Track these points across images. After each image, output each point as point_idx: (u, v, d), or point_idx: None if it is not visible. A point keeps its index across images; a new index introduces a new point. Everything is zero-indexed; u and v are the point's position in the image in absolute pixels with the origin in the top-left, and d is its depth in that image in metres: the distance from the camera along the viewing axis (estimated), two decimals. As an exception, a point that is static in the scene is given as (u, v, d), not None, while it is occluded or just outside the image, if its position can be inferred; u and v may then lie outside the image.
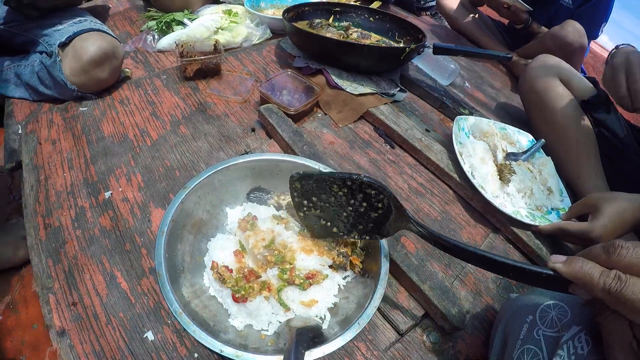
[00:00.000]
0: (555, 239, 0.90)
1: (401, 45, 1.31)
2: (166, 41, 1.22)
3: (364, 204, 0.58)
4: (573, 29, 1.44)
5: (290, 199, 0.73)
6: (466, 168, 0.90)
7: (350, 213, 0.60)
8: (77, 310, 0.63)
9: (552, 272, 0.42)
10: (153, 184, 0.82)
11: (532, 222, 0.86)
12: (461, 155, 0.92)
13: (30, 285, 0.94)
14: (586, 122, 1.06)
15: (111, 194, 0.80)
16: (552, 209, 0.94)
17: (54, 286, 0.66)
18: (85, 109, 0.99)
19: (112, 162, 0.86)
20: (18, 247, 0.95)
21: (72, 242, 0.72)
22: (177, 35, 1.23)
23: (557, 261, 0.42)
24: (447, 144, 1.02)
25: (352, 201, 0.59)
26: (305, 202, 0.62)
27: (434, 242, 0.56)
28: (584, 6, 1.59)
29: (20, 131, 0.96)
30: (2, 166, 0.97)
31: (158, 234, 0.59)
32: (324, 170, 0.72)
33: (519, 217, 0.86)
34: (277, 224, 0.65)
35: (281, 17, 1.21)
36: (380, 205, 0.57)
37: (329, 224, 0.62)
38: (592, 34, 1.57)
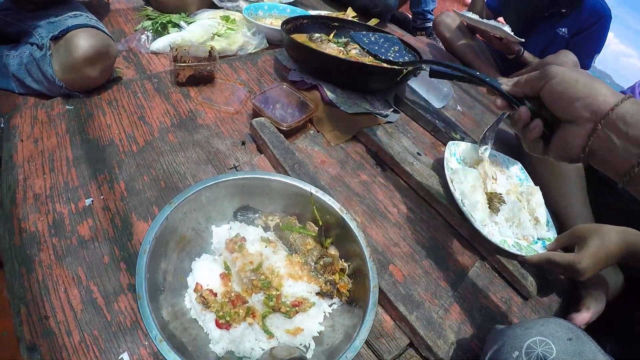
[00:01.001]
0: (541, 268, 0.90)
1: (399, 64, 1.30)
2: (160, 43, 1.20)
3: None
4: (566, 59, 1.47)
5: (278, 220, 0.71)
6: (457, 195, 0.90)
7: None
8: (49, 325, 0.60)
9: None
10: (137, 193, 0.79)
11: (518, 252, 0.87)
12: (452, 182, 0.92)
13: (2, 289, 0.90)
14: None
15: (92, 201, 0.76)
16: (539, 238, 0.95)
17: (26, 297, 0.63)
18: (72, 107, 0.96)
19: (96, 167, 0.82)
20: None
21: (48, 250, 0.68)
22: (172, 37, 1.20)
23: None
24: (438, 168, 1.02)
25: None
26: None
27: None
28: (578, 36, 1.62)
29: (2, 125, 0.91)
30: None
31: (140, 252, 0.56)
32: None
33: (505, 247, 0.86)
34: (266, 246, 0.64)
35: (279, 28, 1.19)
36: None
37: None
38: (585, 64, 1.61)
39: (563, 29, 1.66)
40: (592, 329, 0.84)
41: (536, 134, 0.55)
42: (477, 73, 0.66)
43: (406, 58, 0.92)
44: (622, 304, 0.92)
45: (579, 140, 0.50)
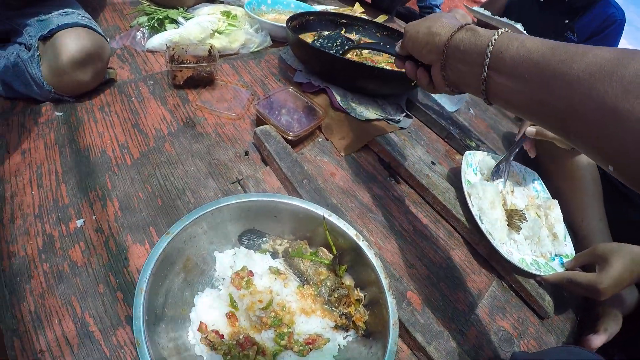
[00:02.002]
0: (560, 288, 0.87)
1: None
2: (157, 40, 1.12)
3: None
4: None
5: (287, 245, 0.66)
6: (474, 211, 0.84)
7: None
8: (44, 360, 0.55)
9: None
10: (132, 213, 0.73)
11: (537, 272, 0.83)
12: (470, 197, 0.86)
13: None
14: (592, 163, 1.03)
15: (84, 222, 0.70)
16: (557, 255, 0.91)
17: (19, 329, 0.57)
18: (61, 114, 0.89)
19: (87, 183, 0.76)
20: None
21: (39, 277, 0.63)
22: (169, 35, 1.12)
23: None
24: (454, 180, 0.96)
25: None
26: None
27: None
28: (588, 41, 1.56)
29: (-13, 132, 0.85)
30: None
31: (136, 291, 0.51)
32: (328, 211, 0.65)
33: (524, 266, 0.82)
34: (275, 279, 0.58)
35: (283, 25, 1.12)
36: None
37: None
38: None
39: (568, 34, 1.61)
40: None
41: (424, 78, 0.65)
42: (381, 45, 0.83)
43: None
44: (633, 317, 0.89)
45: (439, 76, 0.59)
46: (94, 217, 0.71)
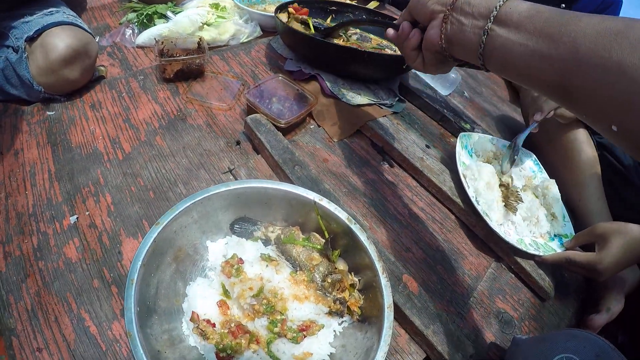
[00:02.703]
0: (559, 268, 0.86)
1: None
2: (146, 36, 1.11)
3: None
4: None
5: (279, 232, 0.66)
6: (470, 193, 0.83)
7: None
8: (43, 357, 0.55)
9: None
10: (124, 207, 0.73)
11: (536, 252, 0.82)
12: (465, 178, 0.85)
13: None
14: (590, 144, 1.03)
15: (77, 218, 0.70)
16: (555, 235, 0.90)
17: (17, 328, 0.58)
18: (53, 113, 0.89)
19: (79, 180, 0.76)
20: None
21: (35, 275, 0.63)
22: (158, 29, 1.11)
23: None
24: (449, 162, 0.95)
25: None
26: None
27: None
28: None
29: (-20, 135, 0.85)
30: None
31: (127, 283, 0.50)
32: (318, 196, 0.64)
33: (522, 247, 0.81)
34: (267, 266, 0.58)
35: (273, 14, 1.11)
36: None
37: None
38: None
39: None
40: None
41: (416, 39, 0.62)
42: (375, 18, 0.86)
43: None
44: (635, 297, 0.89)
45: (437, 30, 0.57)
46: (87, 213, 0.71)
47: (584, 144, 1.02)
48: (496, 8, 0.48)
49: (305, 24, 1.13)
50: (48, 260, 0.65)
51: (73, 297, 0.61)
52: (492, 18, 0.48)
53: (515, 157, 0.96)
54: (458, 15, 0.53)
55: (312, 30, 0.93)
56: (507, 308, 0.78)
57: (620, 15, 1.53)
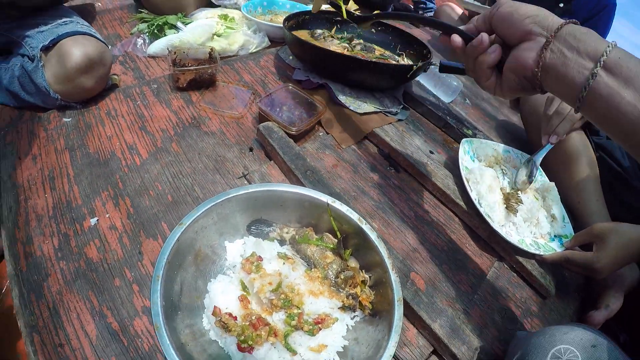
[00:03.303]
0: (559, 267, 0.89)
1: (404, 58, 1.27)
2: (158, 46, 1.15)
3: None
4: None
5: (294, 232, 0.69)
6: (473, 196, 0.87)
7: None
8: (64, 353, 0.57)
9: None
10: (143, 210, 0.76)
11: (536, 252, 0.85)
12: (468, 182, 0.89)
13: (11, 309, 0.87)
14: (588, 146, 1.06)
15: (97, 220, 0.73)
16: (555, 235, 0.93)
17: (38, 324, 0.60)
18: (69, 119, 0.92)
19: (98, 184, 0.79)
20: None
21: (56, 275, 0.66)
22: (169, 40, 1.15)
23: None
24: (452, 167, 0.99)
25: None
26: None
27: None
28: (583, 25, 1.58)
29: (-2, 141, 0.88)
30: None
31: (153, 279, 0.53)
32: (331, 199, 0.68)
33: (523, 246, 0.84)
34: (284, 263, 0.61)
35: (280, 25, 1.15)
36: None
37: None
38: None
39: (565, 19, 1.62)
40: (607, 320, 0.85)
41: (496, 56, 0.56)
42: (431, 18, 0.78)
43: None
44: (635, 296, 0.91)
45: (533, 55, 0.51)
46: (107, 216, 0.74)
47: (583, 146, 1.05)
48: (605, 52, 0.45)
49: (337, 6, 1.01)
50: (69, 260, 0.68)
51: (95, 295, 0.64)
52: (601, 62, 0.45)
53: (533, 177, 0.98)
54: (561, 45, 0.49)
55: (344, 15, 0.90)
56: (510, 305, 0.81)
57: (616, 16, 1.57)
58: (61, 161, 0.83)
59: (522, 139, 1.28)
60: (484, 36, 0.57)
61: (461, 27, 0.61)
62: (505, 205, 0.90)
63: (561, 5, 1.59)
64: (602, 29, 1.58)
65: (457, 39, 0.60)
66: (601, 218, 0.98)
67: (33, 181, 0.79)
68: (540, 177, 1.04)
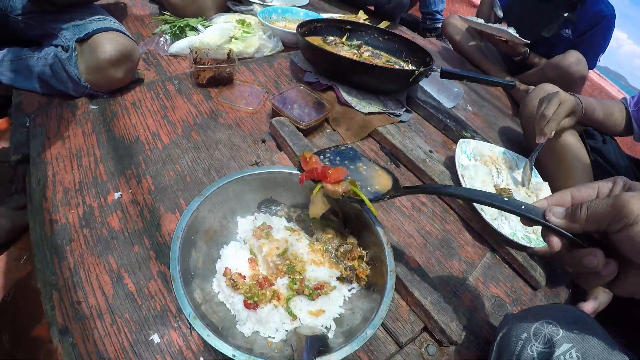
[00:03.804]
0: (549, 260, 0.93)
1: (409, 65, 1.35)
2: (179, 46, 1.24)
3: None
4: (575, 60, 1.49)
5: (300, 212, 0.75)
6: (468, 190, 0.92)
7: None
8: (81, 309, 0.63)
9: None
10: (163, 188, 0.83)
11: (527, 244, 0.89)
12: (463, 178, 0.95)
13: (28, 280, 0.94)
14: (583, 150, 1.11)
15: (121, 195, 0.80)
16: (547, 232, 0.98)
17: (59, 283, 0.67)
18: (96, 107, 1.00)
19: (123, 163, 0.87)
20: (13, 218, 0.98)
21: (79, 240, 0.72)
22: (190, 40, 1.24)
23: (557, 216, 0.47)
24: (450, 165, 1.05)
25: None
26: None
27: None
28: (583, 36, 1.64)
29: (28, 124, 0.96)
30: (7, 158, 0.97)
31: (173, 238, 0.60)
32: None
33: (515, 239, 0.89)
34: (290, 234, 0.67)
35: (293, 31, 1.24)
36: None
37: None
38: (590, 64, 1.62)
39: (567, 30, 1.68)
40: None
41: (608, 278, 0.44)
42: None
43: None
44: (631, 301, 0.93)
45: None
46: (129, 191, 0.81)
47: (577, 149, 1.09)
48: None
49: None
50: (93, 228, 0.74)
51: (114, 259, 0.70)
52: None
53: (532, 173, 1.06)
54: None
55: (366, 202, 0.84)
56: (500, 293, 0.85)
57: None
58: (88, 143, 0.91)
59: (521, 144, 1.33)
60: (599, 257, 0.43)
61: (555, 221, 0.47)
62: (498, 200, 0.95)
63: (565, 14, 1.65)
64: (601, 40, 1.63)
65: (555, 242, 0.47)
66: None
67: (61, 159, 0.86)
68: (535, 178, 1.10)
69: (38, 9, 1.02)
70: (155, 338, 0.62)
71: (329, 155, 0.73)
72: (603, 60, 1.71)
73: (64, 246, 0.71)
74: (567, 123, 1.06)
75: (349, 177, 0.67)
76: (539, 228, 0.93)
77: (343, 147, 0.76)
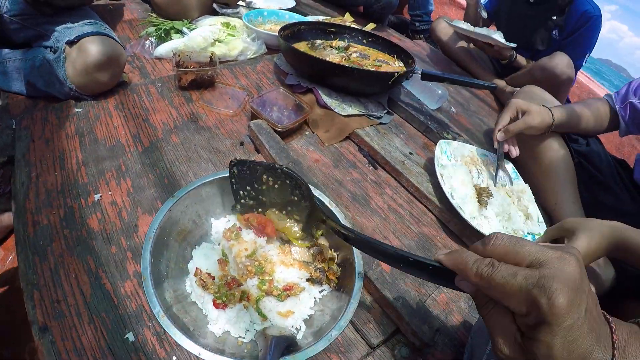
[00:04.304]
0: None
1: (396, 62, 1.37)
2: (164, 49, 1.26)
3: (289, 194, 0.68)
4: (561, 61, 1.51)
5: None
6: (446, 189, 0.94)
7: (278, 202, 0.70)
8: (60, 308, 0.65)
9: (437, 264, 0.44)
10: (142, 190, 0.84)
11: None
12: (442, 177, 0.97)
13: (14, 280, 0.96)
14: (567, 152, 1.12)
15: (100, 196, 0.82)
16: (529, 233, 0.99)
17: (39, 282, 0.68)
18: (80, 110, 1.02)
19: (103, 166, 0.88)
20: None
21: (60, 240, 0.74)
22: (174, 43, 1.26)
23: (441, 253, 0.44)
24: (429, 167, 1.07)
25: (279, 189, 0.68)
26: (241, 192, 0.71)
27: (339, 234, 0.62)
28: (569, 38, 1.66)
29: (14, 126, 0.97)
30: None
31: (145, 239, 0.61)
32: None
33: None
34: (260, 236, 0.69)
35: (276, 34, 1.25)
36: (298, 193, 0.67)
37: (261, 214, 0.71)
38: (577, 64, 1.64)
39: (555, 32, 1.70)
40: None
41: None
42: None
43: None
44: (610, 296, 0.93)
45: None
46: (109, 193, 0.83)
47: (559, 152, 1.11)
48: None
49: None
50: (73, 229, 0.76)
51: (93, 259, 0.72)
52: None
53: (500, 167, 1.08)
54: None
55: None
56: (477, 295, 0.87)
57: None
58: (71, 145, 0.92)
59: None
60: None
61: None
62: (477, 199, 0.97)
63: (554, 18, 1.67)
64: (588, 40, 1.65)
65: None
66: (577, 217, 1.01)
67: (45, 161, 0.88)
68: (517, 180, 1.11)
69: (36, 11, 1.04)
70: (130, 337, 0.63)
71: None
72: (604, 53, 1.76)
73: (45, 246, 0.73)
74: (532, 131, 1.07)
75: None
76: (519, 228, 0.95)
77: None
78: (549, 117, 1.07)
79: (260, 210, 0.71)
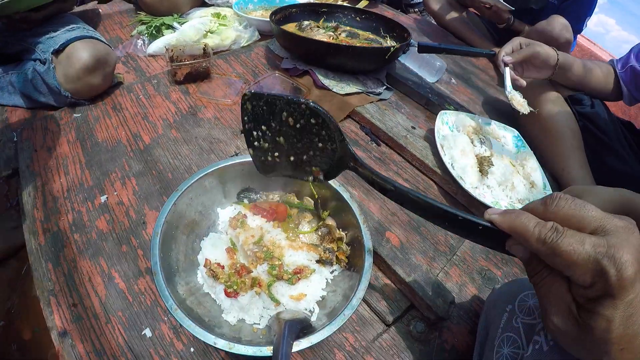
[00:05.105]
0: None
1: (388, 41, 1.34)
2: (156, 45, 1.25)
3: (312, 136, 0.55)
4: (559, 24, 1.46)
5: (278, 198, 0.76)
6: (446, 159, 0.93)
7: (298, 146, 0.56)
8: (77, 311, 0.66)
9: (488, 224, 0.39)
10: (147, 187, 0.85)
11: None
12: (442, 147, 0.95)
13: (30, 290, 0.98)
14: (571, 116, 1.10)
15: (107, 198, 0.82)
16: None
17: (55, 288, 0.69)
18: (79, 115, 1.02)
19: (107, 167, 0.88)
20: (8, 237, 1.02)
21: (71, 245, 0.75)
22: (166, 39, 1.25)
23: (494, 213, 0.39)
24: (432, 139, 1.05)
25: (300, 129, 0.55)
26: (255, 132, 0.57)
27: (372, 182, 0.55)
28: (568, 1, 1.61)
29: (15, 139, 0.98)
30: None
31: (152, 235, 0.62)
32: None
33: (498, 208, 0.89)
34: (266, 222, 0.69)
35: (269, 19, 1.23)
36: (325, 134, 0.54)
37: (277, 159, 0.58)
38: (577, 28, 1.59)
39: None
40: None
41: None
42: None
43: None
44: None
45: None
46: (115, 193, 0.83)
47: (563, 115, 1.08)
48: None
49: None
50: (82, 232, 0.77)
51: (104, 260, 0.73)
52: None
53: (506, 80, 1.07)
54: None
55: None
56: (490, 266, 0.85)
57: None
58: (73, 150, 0.93)
59: (508, 114, 1.31)
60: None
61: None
62: (478, 169, 0.95)
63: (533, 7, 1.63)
64: (586, 4, 1.60)
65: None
66: (585, 183, 1.00)
67: (49, 169, 0.89)
68: (523, 149, 1.09)
69: (14, 28, 1.04)
70: (148, 332, 0.64)
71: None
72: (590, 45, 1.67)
73: (58, 253, 0.74)
74: (542, 75, 1.05)
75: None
76: (525, 197, 0.93)
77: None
78: (554, 54, 1.05)
79: (277, 154, 0.58)
